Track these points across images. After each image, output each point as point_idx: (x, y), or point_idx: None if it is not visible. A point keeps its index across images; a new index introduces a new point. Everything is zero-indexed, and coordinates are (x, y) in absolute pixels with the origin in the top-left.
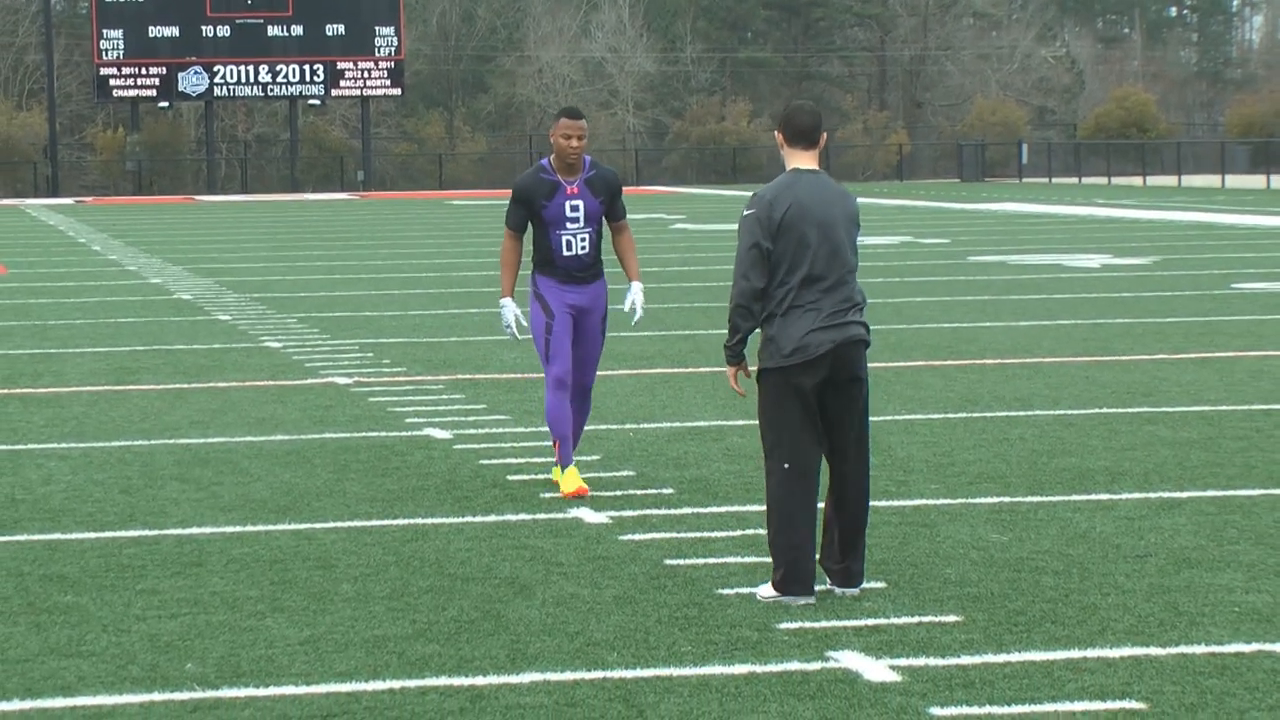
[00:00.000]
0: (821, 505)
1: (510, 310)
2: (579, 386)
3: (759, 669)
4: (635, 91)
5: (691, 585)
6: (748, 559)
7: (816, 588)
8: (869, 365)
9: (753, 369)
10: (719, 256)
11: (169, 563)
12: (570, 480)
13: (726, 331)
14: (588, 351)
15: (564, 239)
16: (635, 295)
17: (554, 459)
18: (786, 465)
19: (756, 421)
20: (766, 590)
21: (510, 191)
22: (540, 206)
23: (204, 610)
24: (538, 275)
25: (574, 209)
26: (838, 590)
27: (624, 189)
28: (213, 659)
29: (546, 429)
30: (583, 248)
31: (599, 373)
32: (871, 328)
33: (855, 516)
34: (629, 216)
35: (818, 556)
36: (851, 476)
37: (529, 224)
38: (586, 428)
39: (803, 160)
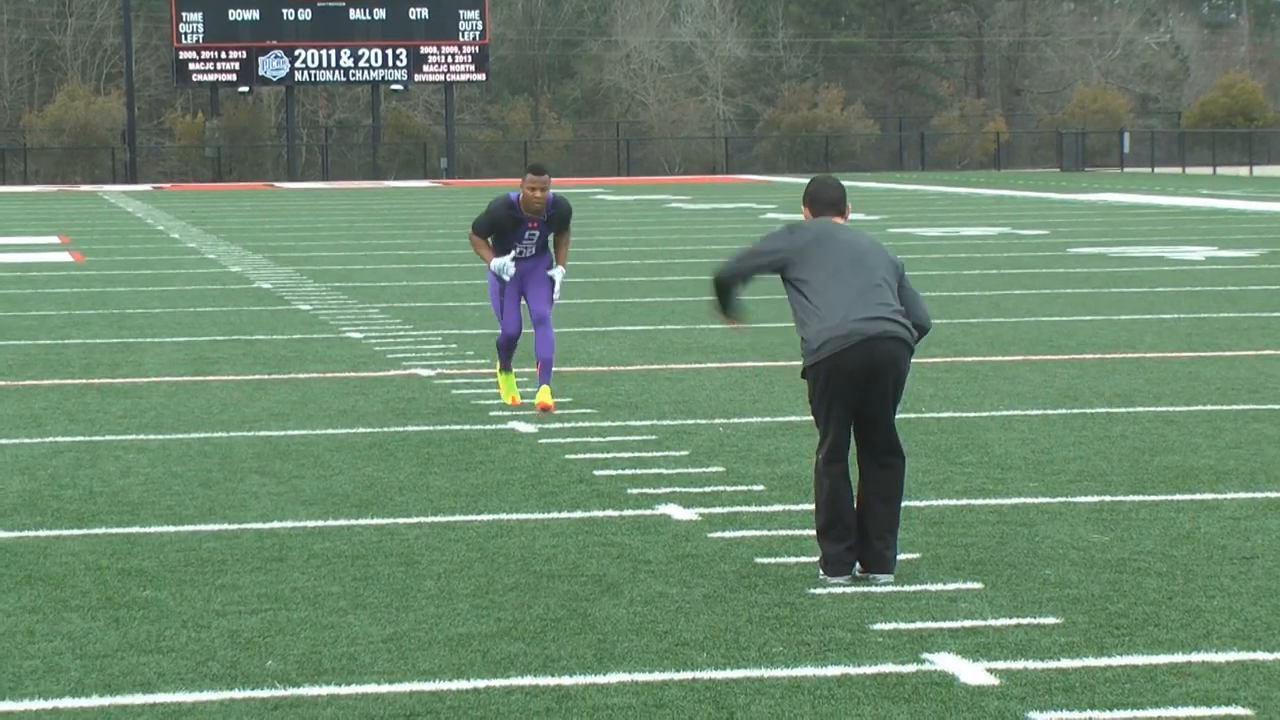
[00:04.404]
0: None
1: (500, 260)
2: (538, 317)
3: (852, 670)
4: (725, 78)
5: (783, 584)
6: None
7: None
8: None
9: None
10: None
11: (249, 557)
12: (507, 387)
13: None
14: (539, 289)
15: (518, 248)
16: (555, 273)
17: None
18: (821, 456)
19: None
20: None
21: (488, 206)
22: (505, 230)
23: (285, 606)
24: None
25: (530, 235)
26: (871, 575)
27: (712, 177)
28: (294, 656)
29: (629, 423)
30: (530, 252)
31: (687, 365)
32: (969, 321)
33: (892, 499)
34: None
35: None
36: (887, 461)
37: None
38: (674, 421)
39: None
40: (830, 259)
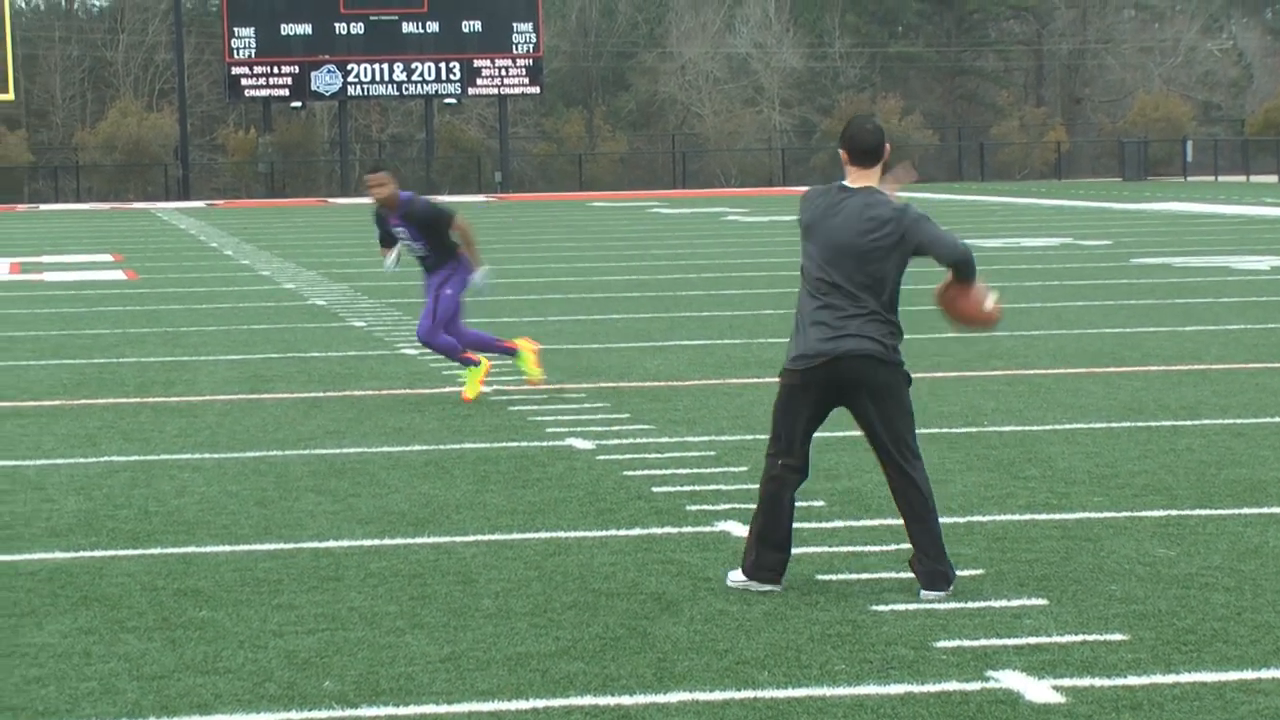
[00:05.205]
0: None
1: (391, 257)
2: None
3: (916, 689)
4: (781, 88)
5: (844, 601)
6: (903, 574)
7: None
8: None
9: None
10: None
11: (305, 577)
12: (529, 364)
13: None
14: (427, 301)
15: (403, 244)
16: (477, 276)
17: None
18: (777, 460)
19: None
20: (736, 575)
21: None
22: (384, 229)
23: (342, 626)
24: None
25: (399, 232)
26: (922, 593)
27: (769, 189)
28: (351, 676)
29: (687, 438)
30: (419, 252)
31: (746, 380)
32: (1031, 334)
33: (920, 518)
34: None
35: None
36: (899, 481)
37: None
38: (733, 437)
39: (858, 178)
40: (818, 256)
